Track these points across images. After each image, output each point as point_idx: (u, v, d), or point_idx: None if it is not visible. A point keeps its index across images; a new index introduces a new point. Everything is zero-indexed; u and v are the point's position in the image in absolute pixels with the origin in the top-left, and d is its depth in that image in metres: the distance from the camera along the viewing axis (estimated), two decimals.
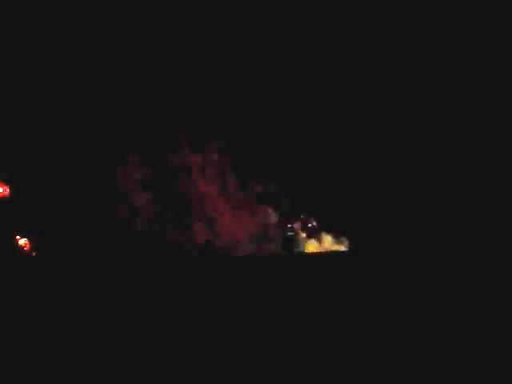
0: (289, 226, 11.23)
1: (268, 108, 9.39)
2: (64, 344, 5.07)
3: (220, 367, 4.28)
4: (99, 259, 8.15)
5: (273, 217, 10.86)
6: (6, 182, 7.85)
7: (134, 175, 8.90)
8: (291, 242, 11.03)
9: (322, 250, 11.18)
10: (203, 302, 5.99)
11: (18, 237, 7.69)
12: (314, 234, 11.09)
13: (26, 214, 7.96)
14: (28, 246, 7.66)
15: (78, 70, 8.29)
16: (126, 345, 4.95)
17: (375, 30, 9.22)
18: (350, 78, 9.44)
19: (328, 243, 11.64)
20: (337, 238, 11.14)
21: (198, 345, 4.78)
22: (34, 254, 7.79)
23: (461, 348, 4.30)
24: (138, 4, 8.60)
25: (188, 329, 5.18)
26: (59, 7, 8.23)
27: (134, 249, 8.65)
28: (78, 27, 8.39)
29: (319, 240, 11.36)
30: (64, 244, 8.15)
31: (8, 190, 7.74)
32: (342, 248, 11.47)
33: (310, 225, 11.10)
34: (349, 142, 9.45)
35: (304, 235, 11.23)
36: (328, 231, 10.98)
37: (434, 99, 9.41)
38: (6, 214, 7.75)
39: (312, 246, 11.34)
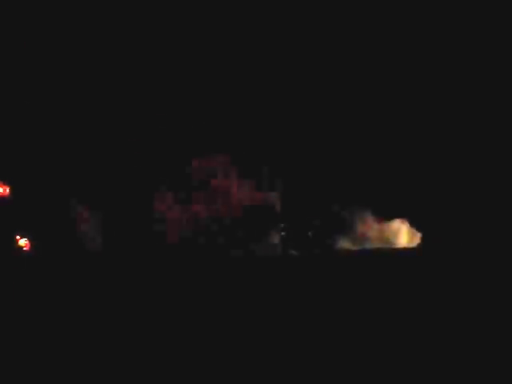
0: (282, 225, 11.31)
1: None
2: (64, 343, 5.11)
3: (205, 366, 4.29)
4: (97, 258, 8.21)
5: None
6: (6, 182, 7.89)
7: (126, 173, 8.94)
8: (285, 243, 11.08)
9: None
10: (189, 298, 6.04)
11: (18, 237, 7.73)
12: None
13: (26, 214, 7.99)
14: (28, 245, 7.70)
15: (78, 71, 8.32)
16: (117, 340, 5.00)
17: (375, 31, 9.27)
18: (348, 78, 9.49)
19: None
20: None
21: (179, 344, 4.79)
22: (34, 253, 7.84)
23: (460, 348, 4.35)
24: (139, 4, 8.63)
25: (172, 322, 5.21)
26: (60, 7, 8.25)
27: (131, 248, 8.71)
28: (78, 28, 8.41)
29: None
30: (63, 244, 8.19)
31: (8, 189, 7.78)
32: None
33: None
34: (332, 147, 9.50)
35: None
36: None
37: (434, 99, 9.47)
38: (6, 214, 7.78)
39: None
